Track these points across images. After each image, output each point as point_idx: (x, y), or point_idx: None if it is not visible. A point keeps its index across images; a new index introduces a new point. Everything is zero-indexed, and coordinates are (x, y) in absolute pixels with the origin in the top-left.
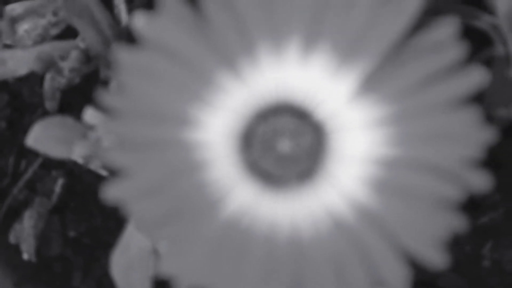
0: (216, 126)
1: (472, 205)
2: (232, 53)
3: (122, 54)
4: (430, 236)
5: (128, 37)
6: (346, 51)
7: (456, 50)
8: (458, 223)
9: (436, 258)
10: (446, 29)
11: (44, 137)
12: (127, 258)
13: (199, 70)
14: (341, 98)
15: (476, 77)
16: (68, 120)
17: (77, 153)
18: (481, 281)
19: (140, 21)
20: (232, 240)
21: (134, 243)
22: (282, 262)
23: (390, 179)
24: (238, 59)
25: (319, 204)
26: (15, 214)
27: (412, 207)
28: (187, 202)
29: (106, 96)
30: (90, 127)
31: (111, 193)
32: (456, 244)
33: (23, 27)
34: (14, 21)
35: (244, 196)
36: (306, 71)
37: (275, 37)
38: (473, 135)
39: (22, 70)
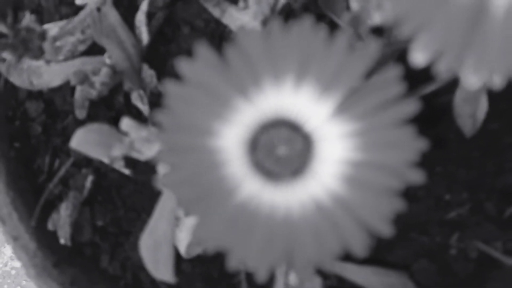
0: (232, 136)
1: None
2: (245, 85)
3: (169, 87)
4: (381, 214)
5: (147, 54)
6: (325, 85)
7: (398, 87)
8: (399, 205)
9: (385, 229)
10: (392, 73)
11: (85, 141)
12: (154, 240)
13: (221, 97)
14: (322, 117)
15: (412, 105)
16: (104, 127)
17: (115, 154)
18: (448, 266)
19: (182, 64)
20: (242, 217)
21: (159, 228)
22: (278, 234)
23: (355, 175)
24: (249, 89)
25: (306, 193)
26: (50, 206)
27: (370, 194)
28: (212, 189)
29: (158, 115)
30: (124, 133)
31: (162, 182)
32: (428, 235)
33: (55, 44)
34: (54, 40)
35: (252, 186)
36: (297, 97)
37: (276, 75)
38: (410, 144)
39: (56, 82)
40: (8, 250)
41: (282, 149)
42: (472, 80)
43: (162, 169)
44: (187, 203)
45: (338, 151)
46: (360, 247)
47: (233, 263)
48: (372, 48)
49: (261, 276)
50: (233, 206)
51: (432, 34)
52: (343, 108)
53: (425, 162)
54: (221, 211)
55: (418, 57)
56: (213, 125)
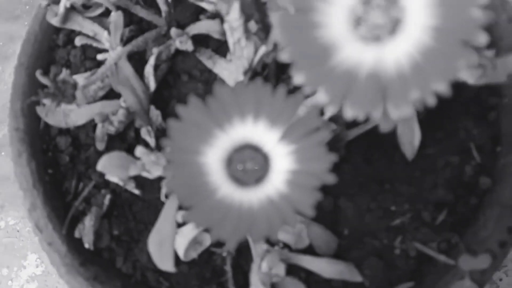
0: (213, 155)
1: (389, 212)
2: (221, 121)
3: (171, 123)
4: (308, 203)
5: (154, 98)
6: (272, 121)
7: (317, 122)
8: (319, 197)
9: (311, 213)
10: (314, 112)
11: (108, 164)
12: (159, 238)
13: (206, 130)
14: (273, 142)
15: (326, 134)
16: (123, 154)
17: (131, 174)
18: (393, 263)
19: (179, 108)
20: (220, 209)
21: (163, 229)
22: (244, 219)
23: (293, 179)
24: (224, 124)
25: (263, 192)
26: (76, 219)
27: (302, 191)
28: (200, 190)
29: (164, 141)
30: (137, 158)
31: (166, 185)
32: (377, 239)
33: (79, 90)
34: (83, 88)
35: (227, 189)
36: (256, 129)
37: (241, 115)
38: (326, 158)
39: (81, 121)
40: (24, 273)
41: (248, 164)
42: (349, 115)
43: (165, 183)
44: (183, 199)
45: (284, 164)
46: (293, 224)
47: (213, 237)
48: (300, 97)
49: (230, 245)
50: (214, 201)
51: (324, 89)
52: (285, 135)
53: (376, 181)
54: (206, 204)
55: (321, 101)
56: (201, 148)
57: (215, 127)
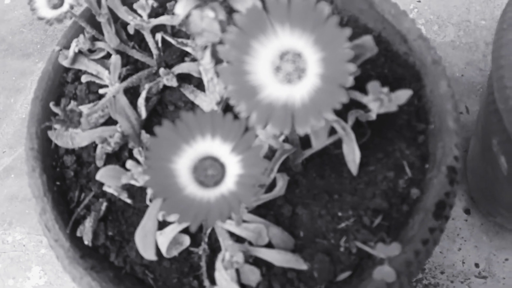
0: (182, 163)
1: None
2: (187, 139)
3: (150, 139)
4: (249, 197)
5: (145, 124)
6: (225, 138)
7: (252, 139)
8: (258, 192)
9: (250, 204)
10: (252, 133)
11: (105, 175)
12: (144, 233)
13: (176, 144)
14: (226, 154)
15: (259, 149)
16: (117, 167)
17: (123, 182)
18: (338, 258)
19: (156, 128)
20: (186, 202)
21: (147, 225)
22: (203, 210)
23: (240, 180)
24: (190, 140)
25: (219, 191)
26: (78, 222)
27: (245, 188)
28: (171, 187)
29: (145, 152)
30: (128, 170)
31: (145, 184)
32: (326, 239)
33: (84, 118)
34: (87, 116)
35: (192, 188)
36: (214, 144)
37: (202, 134)
38: (261, 164)
39: (84, 143)
40: (28, 284)
41: (209, 170)
42: (271, 131)
43: (145, 182)
44: (157, 193)
45: (234, 170)
46: (238, 213)
47: (180, 221)
48: (243, 121)
49: (192, 229)
50: (182, 196)
51: (255, 115)
52: (234, 149)
53: (327, 192)
54: (175, 198)
55: (252, 122)
56: (172, 157)
57: (183, 142)
